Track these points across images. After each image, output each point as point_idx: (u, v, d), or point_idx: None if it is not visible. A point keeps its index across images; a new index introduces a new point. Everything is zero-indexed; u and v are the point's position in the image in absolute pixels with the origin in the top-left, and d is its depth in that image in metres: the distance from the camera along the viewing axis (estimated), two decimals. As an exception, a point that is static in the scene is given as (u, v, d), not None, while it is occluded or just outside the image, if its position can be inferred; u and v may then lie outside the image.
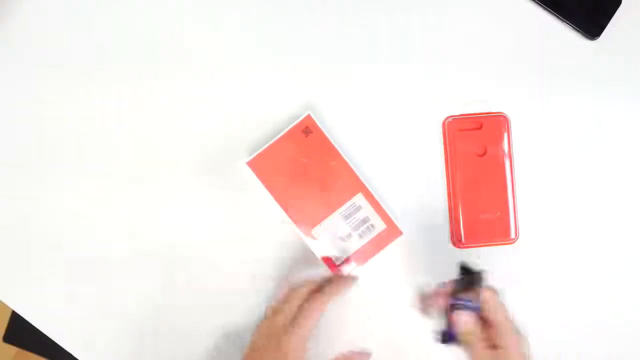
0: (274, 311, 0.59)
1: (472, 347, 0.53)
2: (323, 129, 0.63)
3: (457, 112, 0.67)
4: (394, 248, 0.65)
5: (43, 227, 0.67)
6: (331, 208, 0.63)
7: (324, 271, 0.64)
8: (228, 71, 0.67)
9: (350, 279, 0.64)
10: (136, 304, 0.67)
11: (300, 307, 0.58)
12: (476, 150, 0.66)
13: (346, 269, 0.63)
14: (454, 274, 0.65)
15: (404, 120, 0.67)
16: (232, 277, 0.66)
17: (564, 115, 0.67)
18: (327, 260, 0.63)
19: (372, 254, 0.64)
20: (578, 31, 0.67)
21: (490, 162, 0.66)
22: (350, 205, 0.63)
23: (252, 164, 0.63)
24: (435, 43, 0.67)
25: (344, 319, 0.67)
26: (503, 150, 0.66)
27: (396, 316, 0.67)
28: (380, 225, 0.64)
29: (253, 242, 0.66)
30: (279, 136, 0.63)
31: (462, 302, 0.54)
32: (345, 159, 0.63)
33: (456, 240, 0.66)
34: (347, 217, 0.63)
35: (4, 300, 0.67)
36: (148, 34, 0.67)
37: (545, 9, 0.67)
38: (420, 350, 0.66)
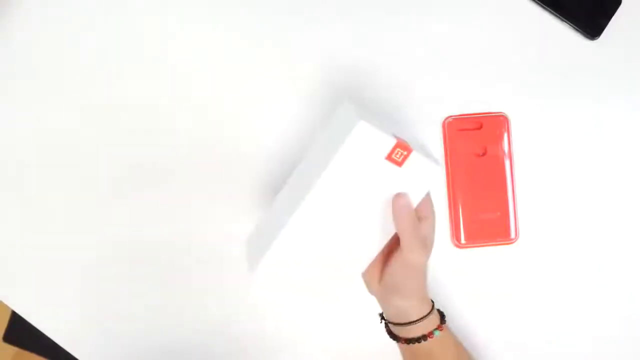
0: None
1: None
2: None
3: (457, 112, 0.67)
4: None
5: (43, 227, 0.67)
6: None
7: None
8: (228, 71, 0.67)
9: None
10: (136, 304, 0.67)
11: None
12: (476, 150, 0.66)
13: None
14: (454, 274, 0.65)
15: (404, 120, 0.67)
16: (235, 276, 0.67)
17: (564, 115, 0.67)
18: None
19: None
20: (578, 31, 0.67)
21: (490, 162, 0.66)
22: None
23: None
24: (435, 43, 0.67)
25: (348, 319, 0.67)
26: (503, 150, 0.66)
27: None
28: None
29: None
30: None
31: None
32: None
33: (456, 240, 0.66)
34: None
35: (4, 300, 0.67)
36: (148, 33, 0.67)
37: (545, 9, 0.67)
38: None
